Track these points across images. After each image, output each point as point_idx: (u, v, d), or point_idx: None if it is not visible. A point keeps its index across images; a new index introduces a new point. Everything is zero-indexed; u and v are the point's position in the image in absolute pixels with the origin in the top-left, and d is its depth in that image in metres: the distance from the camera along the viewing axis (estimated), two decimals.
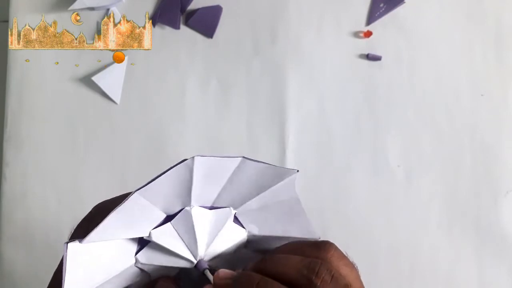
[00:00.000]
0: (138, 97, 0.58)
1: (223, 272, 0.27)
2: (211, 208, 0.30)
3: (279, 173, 0.30)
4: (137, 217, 0.27)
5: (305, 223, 0.31)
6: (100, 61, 0.58)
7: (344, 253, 0.28)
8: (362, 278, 0.28)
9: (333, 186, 0.56)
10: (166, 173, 0.26)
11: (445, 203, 0.56)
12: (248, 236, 0.31)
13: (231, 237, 0.30)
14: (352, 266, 0.28)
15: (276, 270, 0.26)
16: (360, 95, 0.57)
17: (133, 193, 0.26)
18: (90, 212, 0.33)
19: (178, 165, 0.26)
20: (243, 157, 0.28)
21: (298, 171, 0.30)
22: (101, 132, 0.57)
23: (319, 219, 0.56)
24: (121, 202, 0.26)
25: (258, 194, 0.30)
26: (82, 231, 0.32)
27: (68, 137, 0.57)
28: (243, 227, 0.31)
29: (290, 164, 0.56)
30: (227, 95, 0.58)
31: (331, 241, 0.28)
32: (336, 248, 0.28)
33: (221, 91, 0.58)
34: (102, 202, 0.33)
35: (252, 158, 0.28)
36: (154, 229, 0.28)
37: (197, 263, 0.29)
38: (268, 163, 0.29)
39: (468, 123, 0.57)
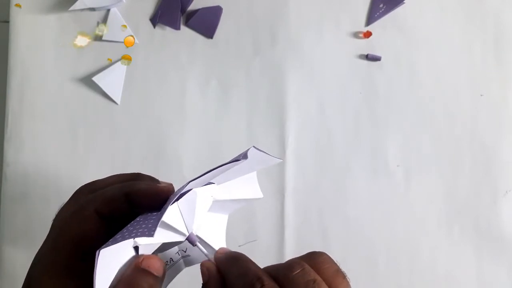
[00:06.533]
0: (138, 97, 0.58)
1: (222, 248, 0.31)
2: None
3: (267, 159, 0.32)
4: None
5: (255, 187, 0.34)
6: (100, 61, 0.58)
7: (336, 261, 0.28)
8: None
9: (332, 186, 0.56)
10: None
11: (445, 203, 0.56)
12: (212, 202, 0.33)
13: (207, 207, 0.32)
14: (338, 271, 0.28)
15: (265, 268, 0.28)
16: (359, 95, 0.58)
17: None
18: (72, 197, 0.36)
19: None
20: (254, 146, 0.29)
21: (282, 160, 0.33)
22: (101, 132, 0.58)
23: (319, 219, 0.56)
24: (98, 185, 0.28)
25: (240, 175, 0.33)
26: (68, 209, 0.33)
27: (68, 137, 0.58)
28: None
29: (290, 164, 0.57)
30: (227, 95, 0.58)
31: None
32: (321, 254, 0.28)
33: (221, 91, 0.58)
34: (81, 186, 0.36)
35: (259, 148, 0.30)
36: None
37: (188, 236, 0.30)
38: (266, 152, 0.30)
39: (467, 123, 0.57)
